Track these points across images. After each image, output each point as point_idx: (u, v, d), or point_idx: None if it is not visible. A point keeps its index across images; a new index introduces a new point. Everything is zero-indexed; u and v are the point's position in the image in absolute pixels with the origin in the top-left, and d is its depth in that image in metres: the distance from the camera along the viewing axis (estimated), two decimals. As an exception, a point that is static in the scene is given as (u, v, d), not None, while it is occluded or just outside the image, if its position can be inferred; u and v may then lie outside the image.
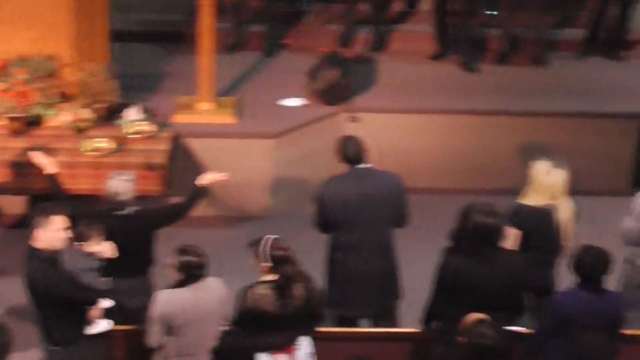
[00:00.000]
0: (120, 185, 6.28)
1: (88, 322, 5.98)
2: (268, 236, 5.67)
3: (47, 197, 6.57)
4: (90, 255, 5.92)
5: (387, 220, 6.40)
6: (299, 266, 5.67)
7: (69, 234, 5.69)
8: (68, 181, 7.51)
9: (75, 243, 5.82)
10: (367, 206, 6.29)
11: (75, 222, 5.79)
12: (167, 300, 5.61)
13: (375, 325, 6.62)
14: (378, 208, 6.31)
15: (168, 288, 5.68)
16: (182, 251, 5.65)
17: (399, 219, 6.47)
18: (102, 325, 6.03)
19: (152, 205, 6.88)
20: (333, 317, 6.58)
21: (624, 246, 6.59)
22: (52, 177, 6.58)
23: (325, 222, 6.39)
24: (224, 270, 7.85)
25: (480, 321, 5.07)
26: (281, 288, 5.57)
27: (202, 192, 6.62)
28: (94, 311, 5.94)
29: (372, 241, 6.37)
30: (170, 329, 5.63)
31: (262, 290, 5.58)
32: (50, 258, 5.65)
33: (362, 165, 6.36)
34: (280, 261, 5.58)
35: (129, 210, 6.31)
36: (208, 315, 5.66)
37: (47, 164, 6.61)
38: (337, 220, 6.34)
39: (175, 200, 7.32)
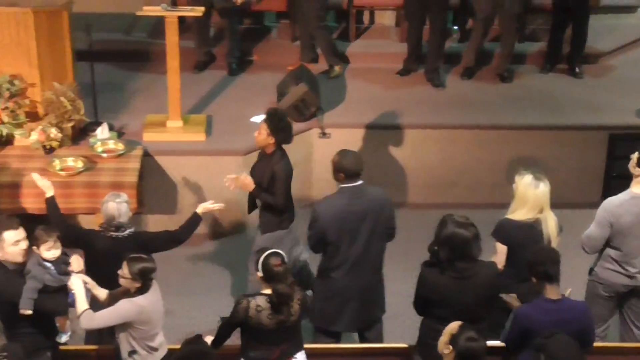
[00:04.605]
0: (117, 207, 6.20)
1: (57, 332, 5.91)
2: (269, 249, 5.66)
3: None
4: (52, 260, 5.77)
5: (379, 235, 6.37)
6: (293, 282, 5.63)
7: (26, 244, 5.65)
8: (35, 200, 7.46)
9: (33, 247, 5.71)
10: (363, 223, 6.26)
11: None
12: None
13: (361, 338, 6.61)
14: (373, 224, 6.28)
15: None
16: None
17: (389, 232, 6.47)
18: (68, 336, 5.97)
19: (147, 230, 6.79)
20: (319, 332, 6.58)
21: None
22: (49, 200, 6.46)
23: (321, 241, 6.32)
24: (200, 288, 7.91)
25: (463, 327, 5.05)
26: (276, 304, 5.54)
27: (199, 220, 6.61)
28: (63, 321, 5.85)
29: (368, 257, 6.34)
30: None
31: (261, 302, 5.54)
32: (14, 268, 5.63)
33: (353, 183, 6.29)
34: (272, 277, 5.54)
35: (124, 232, 6.24)
36: None
37: (46, 186, 6.49)
38: (334, 239, 6.27)
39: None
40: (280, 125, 6.95)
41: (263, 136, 6.95)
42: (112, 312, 5.59)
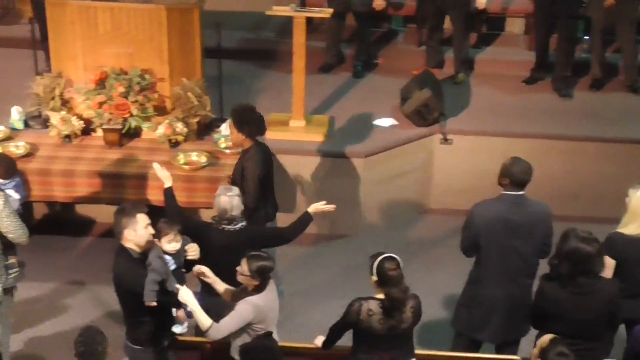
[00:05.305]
0: (229, 200, 6.31)
1: (174, 323, 6.03)
2: (385, 253, 5.61)
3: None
4: (172, 253, 5.90)
5: (533, 249, 6.21)
6: (407, 288, 5.58)
7: (152, 231, 5.78)
8: (159, 192, 7.63)
9: (155, 239, 5.84)
10: (517, 234, 6.13)
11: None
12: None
13: (498, 352, 6.50)
14: (527, 237, 6.15)
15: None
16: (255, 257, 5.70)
17: (544, 249, 6.27)
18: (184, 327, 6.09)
19: (258, 225, 6.88)
20: (460, 336, 6.55)
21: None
22: (167, 191, 6.62)
23: (474, 244, 6.24)
24: (314, 288, 7.96)
25: (555, 340, 4.95)
26: (388, 309, 5.52)
27: (309, 220, 6.64)
28: (181, 312, 5.96)
29: (518, 271, 6.21)
30: None
31: (373, 306, 5.54)
32: (138, 257, 5.75)
33: (516, 192, 6.16)
34: (386, 281, 5.51)
35: (236, 225, 6.35)
36: None
37: (165, 176, 6.66)
38: (485, 244, 6.18)
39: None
40: (242, 119, 7.01)
41: (234, 134, 7.07)
42: (235, 317, 5.67)
